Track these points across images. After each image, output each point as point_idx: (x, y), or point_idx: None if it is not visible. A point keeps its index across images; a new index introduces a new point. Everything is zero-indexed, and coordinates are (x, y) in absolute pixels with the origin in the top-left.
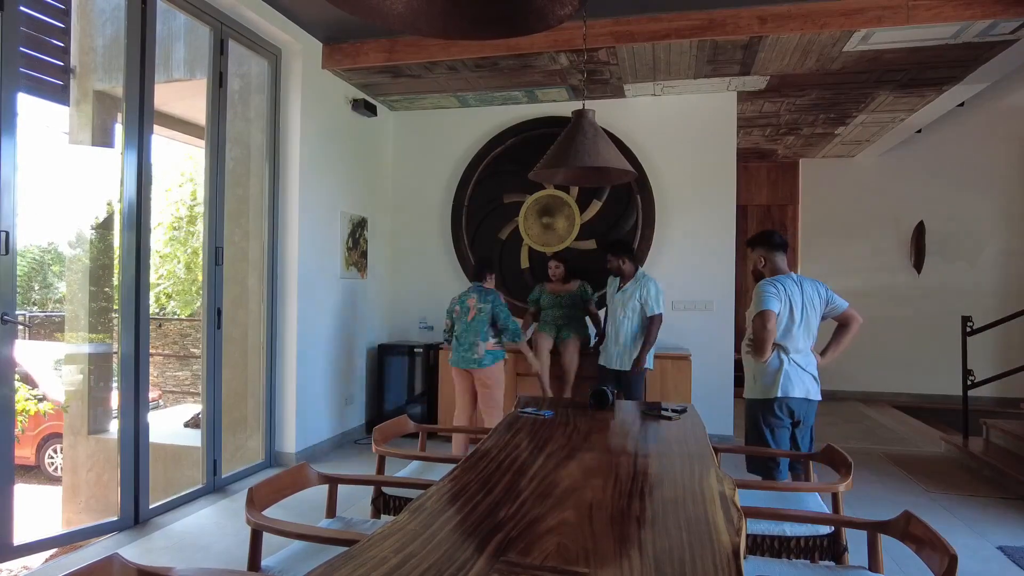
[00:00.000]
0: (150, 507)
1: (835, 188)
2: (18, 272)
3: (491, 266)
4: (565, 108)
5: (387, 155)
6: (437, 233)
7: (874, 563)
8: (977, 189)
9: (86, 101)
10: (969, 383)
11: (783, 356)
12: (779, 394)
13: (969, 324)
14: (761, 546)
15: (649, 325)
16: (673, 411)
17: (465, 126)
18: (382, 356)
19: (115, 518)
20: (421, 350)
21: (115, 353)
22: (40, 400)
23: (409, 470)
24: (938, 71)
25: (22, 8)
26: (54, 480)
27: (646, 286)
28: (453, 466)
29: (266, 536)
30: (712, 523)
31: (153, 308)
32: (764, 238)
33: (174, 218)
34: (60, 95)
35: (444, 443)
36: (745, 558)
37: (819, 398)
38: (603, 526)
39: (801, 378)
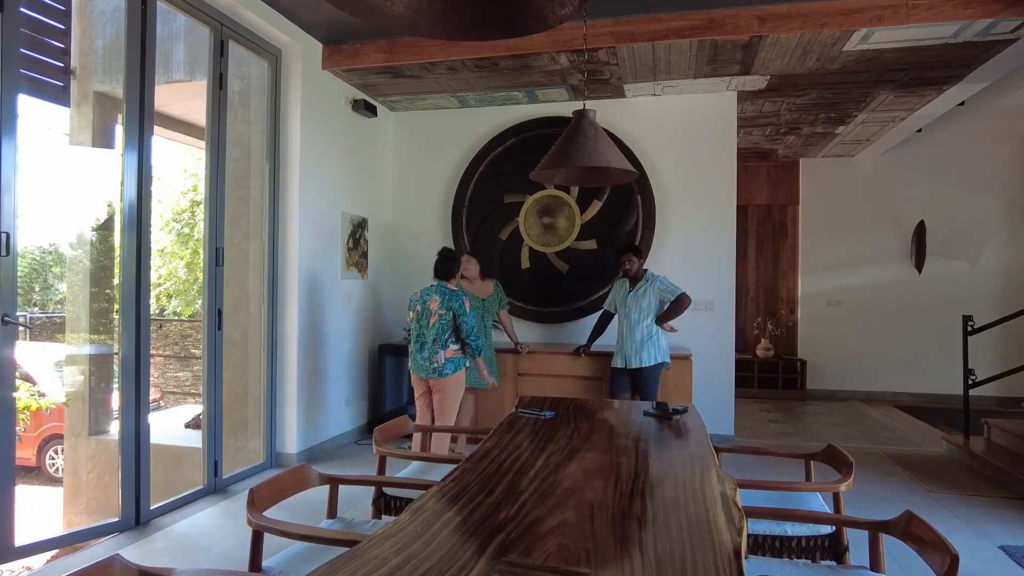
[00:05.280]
0: (151, 508)
1: (835, 188)
2: (19, 273)
3: (457, 264)
4: (565, 108)
5: (387, 156)
6: (438, 233)
7: (875, 563)
8: (978, 188)
9: (86, 102)
10: (970, 382)
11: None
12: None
13: (970, 323)
14: (762, 546)
15: (680, 299)
16: (674, 411)
17: (465, 126)
18: (382, 356)
19: (116, 519)
20: None
21: (116, 354)
22: (41, 397)
23: (410, 471)
24: (938, 70)
25: (22, 9)
26: (55, 481)
27: (657, 281)
28: (454, 467)
29: (267, 537)
30: (713, 523)
31: (154, 308)
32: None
33: (174, 213)
34: (60, 96)
35: None
36: (746, 558)
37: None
38: (604, 526)
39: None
